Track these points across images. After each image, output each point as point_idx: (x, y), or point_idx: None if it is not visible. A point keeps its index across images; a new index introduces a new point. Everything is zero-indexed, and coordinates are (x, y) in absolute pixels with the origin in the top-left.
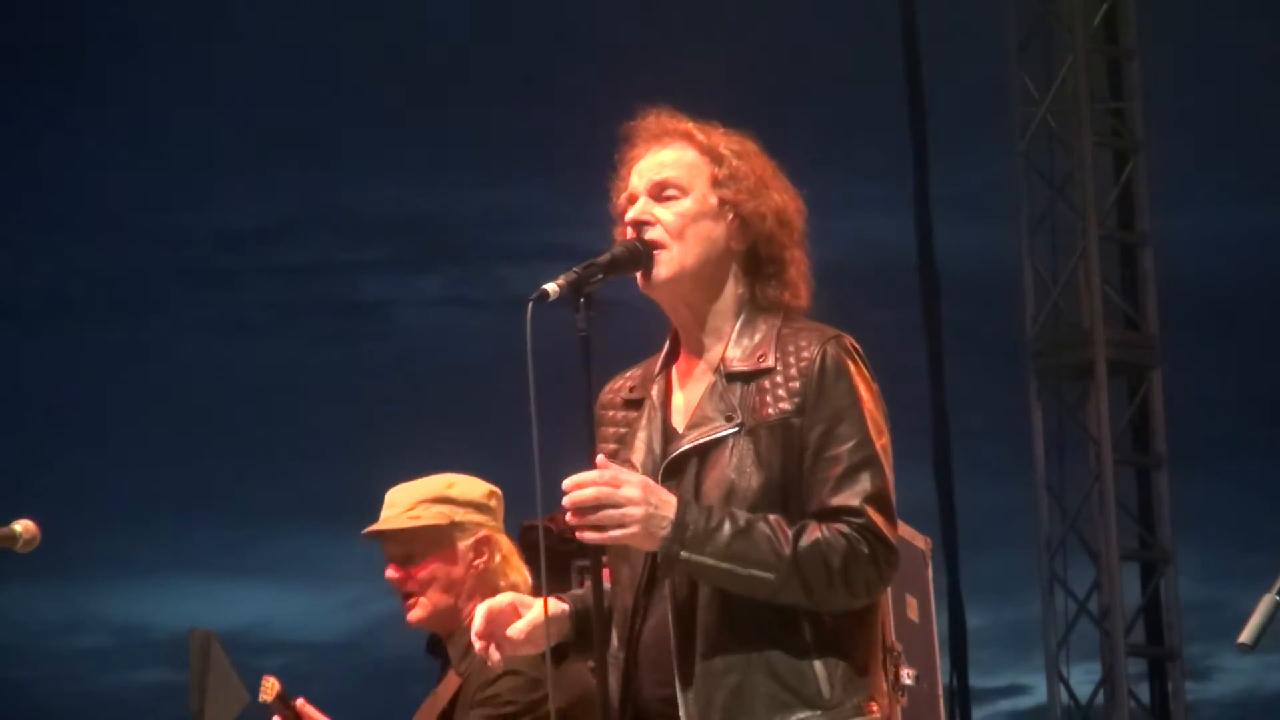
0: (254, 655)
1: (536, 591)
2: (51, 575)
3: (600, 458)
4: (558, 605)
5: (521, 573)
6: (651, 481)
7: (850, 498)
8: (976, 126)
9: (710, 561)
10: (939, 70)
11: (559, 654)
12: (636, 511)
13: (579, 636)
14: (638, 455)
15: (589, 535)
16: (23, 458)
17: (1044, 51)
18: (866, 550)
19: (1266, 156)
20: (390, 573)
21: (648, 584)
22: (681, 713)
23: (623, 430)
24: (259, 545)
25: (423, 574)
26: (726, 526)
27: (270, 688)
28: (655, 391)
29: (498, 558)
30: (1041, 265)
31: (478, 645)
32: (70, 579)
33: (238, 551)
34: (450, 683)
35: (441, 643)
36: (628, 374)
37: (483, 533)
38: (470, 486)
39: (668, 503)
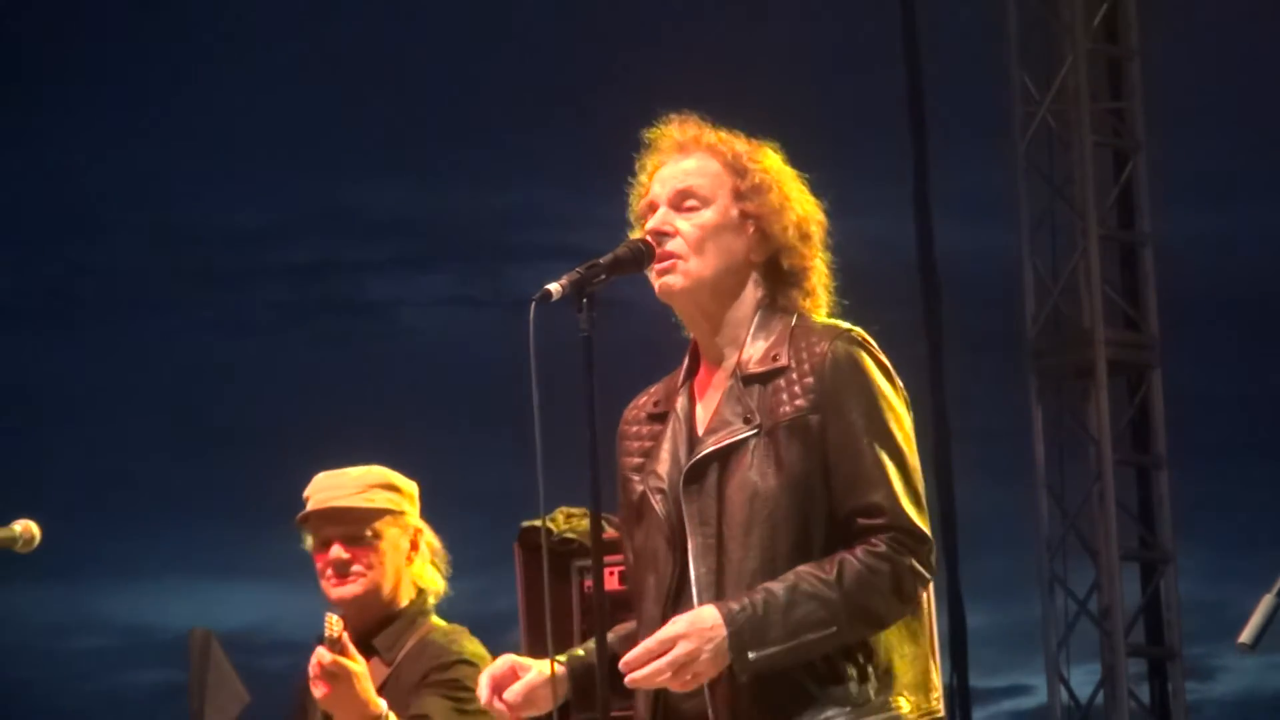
0: (258, 655)
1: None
2: (55, 576)
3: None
4: (557, 669)
5: (438, 578)
6: (681, 617)
7: (877, 495)
8: (976, 126)
9: (778, 648)
10: (939, 70)
11: (562, 713)
12: (698, 650)
13: (579, 695)
14: (663, 466)
15: (679, 687)
16: (25, 458)
17: (1044, 51)
18: (907, 559)
19: (1266, 156)
20: (337, 551)
21: (675, 593)
22: (710, 713)
23: (647, 444)
24: (263, 545)
25: (370, 555)
26: (772, 608)
27: (335, 623)
28: (679, 404)
29: (426, 553)
30: (1041, 265)
31: (494, 707)
32: (74, 579)
33: (242, 551)
34: (375, 672)
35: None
36: (651, 390)
37: (416, 526)
38: (404, 480)
39: (714, 622)
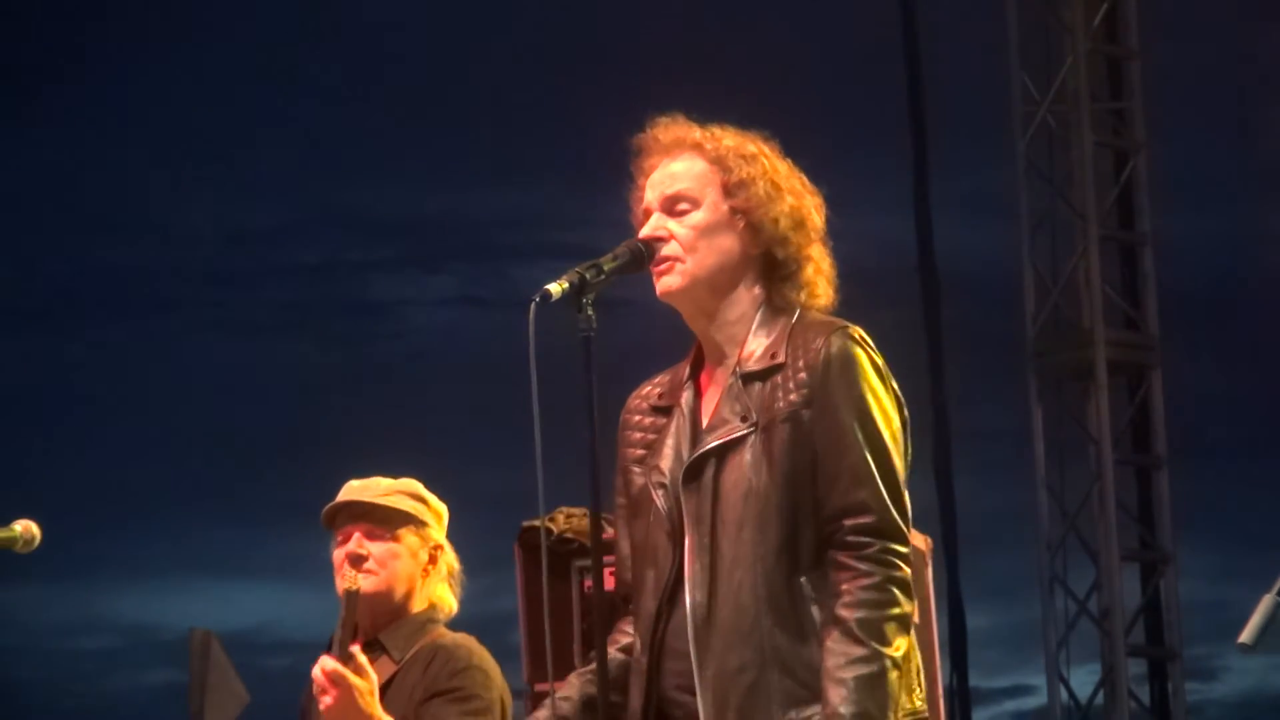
0: (261, 655)
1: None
2: (57, 576)
3: None
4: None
5: (451, 598)
6: None
7: (863, 493)
8: (976, 126)
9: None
10: (939, 70)
11: None
12: None
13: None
14: (666, 461)
15: None
16: (25, 458)
17: (1044, 51)
18: (897, 572)
19: (1267, 156)
20: (354, 545)
21: (672, 589)
22: (700, 712)
23: (650, 437)
24: (267, 545)
25: (385, 553)
26: (853, 690)
27: (352, 578)
28: (684, 399)
29: (444, 571)
30: (1041, 265)
31: None
32: (78, 580)
33: (245, 552)
34: (381, 669)
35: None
36: (656, 380)
37: (437, 542)
38: (435, 498)
39: None
